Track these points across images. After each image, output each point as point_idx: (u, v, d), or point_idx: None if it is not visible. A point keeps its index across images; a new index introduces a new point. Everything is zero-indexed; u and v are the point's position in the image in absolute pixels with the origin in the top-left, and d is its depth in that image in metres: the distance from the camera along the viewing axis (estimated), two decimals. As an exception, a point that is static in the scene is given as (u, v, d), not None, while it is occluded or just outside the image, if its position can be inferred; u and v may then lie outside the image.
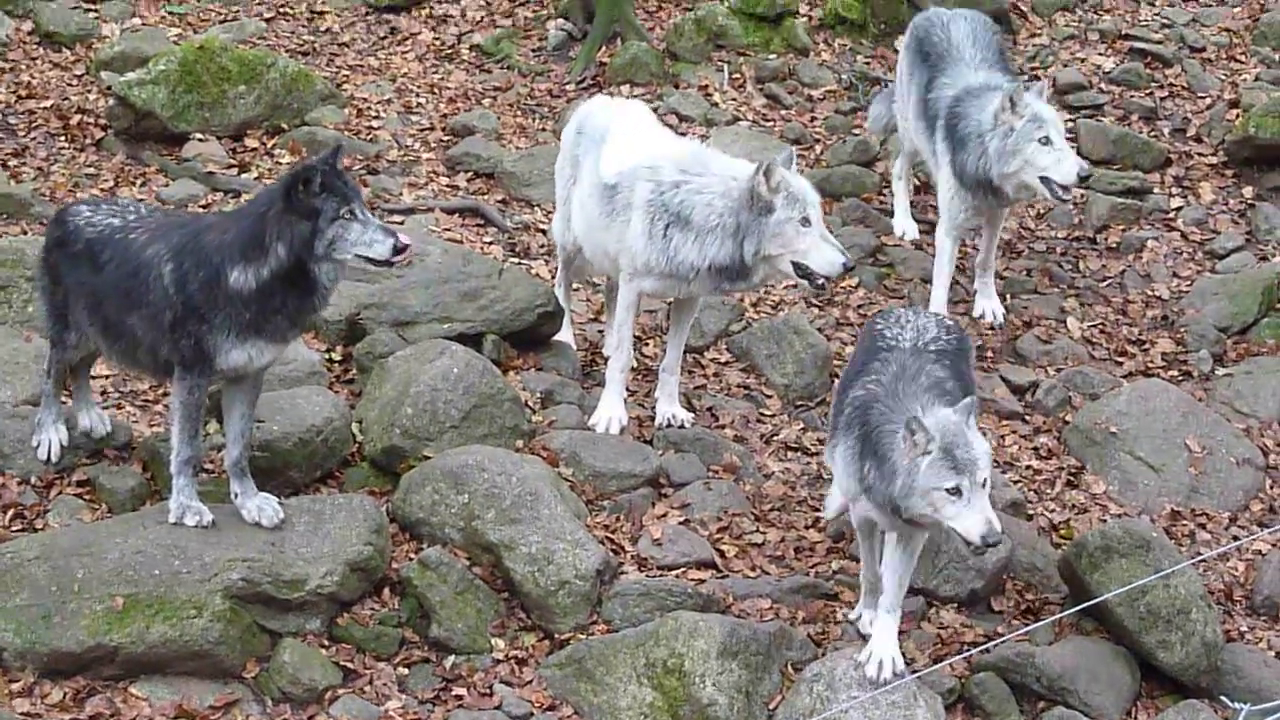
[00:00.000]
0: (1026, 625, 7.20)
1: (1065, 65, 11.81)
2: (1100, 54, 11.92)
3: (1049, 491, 8.25)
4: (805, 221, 7.67)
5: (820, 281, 7.76)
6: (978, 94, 9.11)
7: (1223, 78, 11.61)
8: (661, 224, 7.83)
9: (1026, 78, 8.25)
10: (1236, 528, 8.18)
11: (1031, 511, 8.14)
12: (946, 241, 9.30)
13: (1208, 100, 11.51)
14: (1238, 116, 11.03)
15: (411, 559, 7.24)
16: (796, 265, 7.74)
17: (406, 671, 6.94)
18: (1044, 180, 8.86)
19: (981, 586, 7.47)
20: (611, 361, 8.27)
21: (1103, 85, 11.65)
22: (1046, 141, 8.79)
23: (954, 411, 6.37)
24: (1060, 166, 8.81)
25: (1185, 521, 8.20)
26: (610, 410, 8.20)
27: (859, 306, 9.69)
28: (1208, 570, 7.85)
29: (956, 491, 6.28)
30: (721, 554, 7.52)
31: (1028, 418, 8.79)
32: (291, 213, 6.76)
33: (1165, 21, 12.14)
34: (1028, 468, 8.47)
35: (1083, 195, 10.63)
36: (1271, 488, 8.49)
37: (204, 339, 6.78)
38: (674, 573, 7.43)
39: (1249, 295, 9.59)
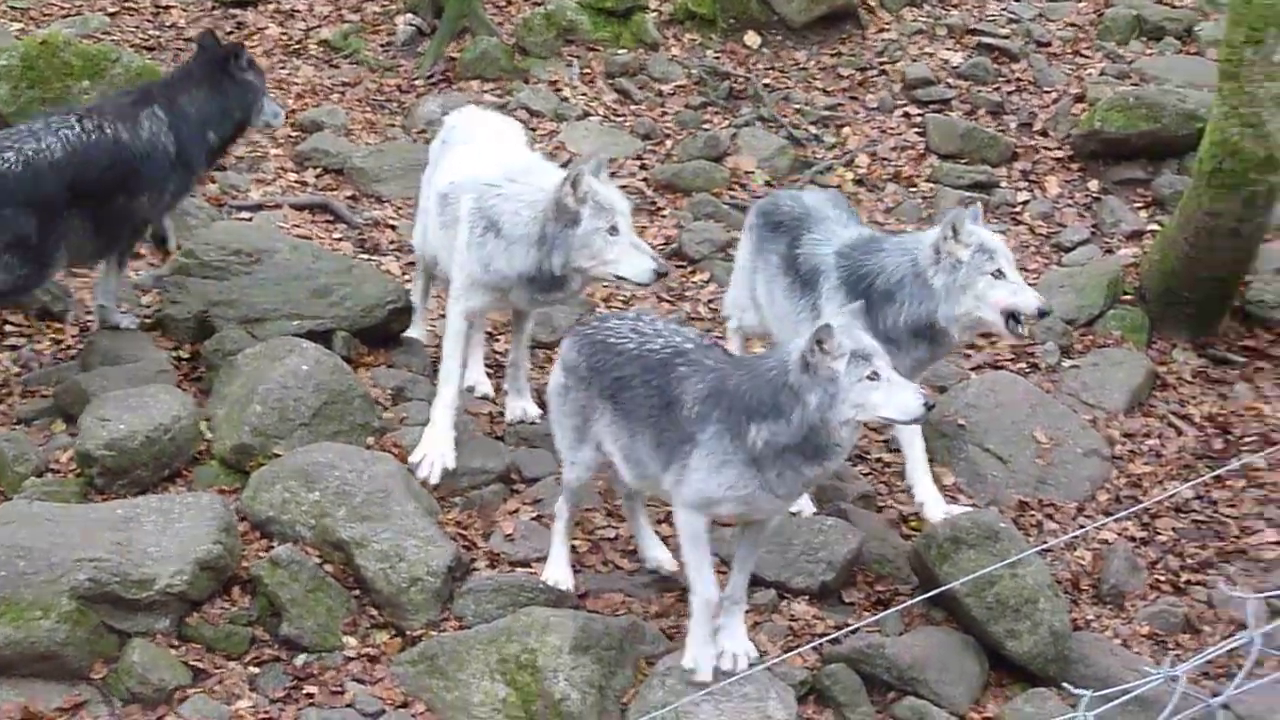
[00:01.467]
0: (877, 616, 7.36)
1: (914, 60, 12.02)
2: (948, 49, 12.14)
3: (899, 484, 8.42)
4: (613, 230, 7.64)
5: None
6: (870, 247, 8.01)
7: (1068, 72, 11.87)
8: (479, 231, 7.82)
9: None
10: (1083, 517, 8.38)
11: (882, 504, 8.31)
12: None
13: (1054, 95, 11.76)
14: (1083, 111, 11.30)
15: (262, 557, 7.27)
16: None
17: (257, 670, 6.98)
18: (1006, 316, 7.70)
19: (833, 578, 7.62)
20: (438, 396, 8.10)
21: (950, 80, 11.88)
22: (1000, 275, 7.64)
23: (842, 313, 6.63)
24: (1018, 299, 7.67)
25: (1033, 512, 8.40)
26: (434, 448, 8.00)
27: (709, 301, 9.84)
28: (1055, 560, 8.05)
29: (876, 376, 6.45)
30: (574, 549, 7.62)
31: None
32: None
33: (1012, 16, 12.40)
34: (878, 460, 8.64)
35: (931, 188, 10.88)
36: (1117, 478, 8.72)
37: None
38: (526, 569, 7.53)
39: (1095, 288, 9.82)
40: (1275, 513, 8.59)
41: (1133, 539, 8.33)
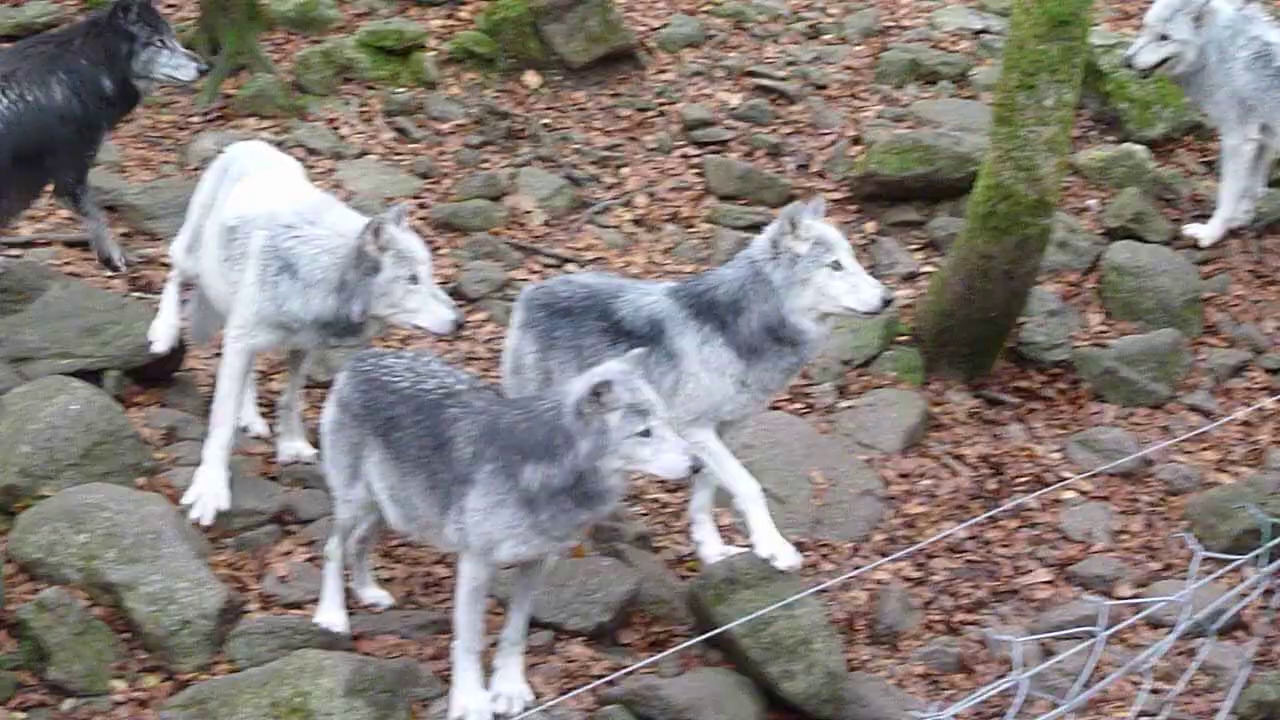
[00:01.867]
0: (653, 658, 7.39)
1: (692, 101, 12.12)
2: (727, 90, 12.26)
3: (676, 524, 8.48)
4: (414, 279, 7.66)
5: None
6: (698, 276, 8.17)
7: (845, 115, 12.04)
8: (272, 271, 7.77)
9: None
10: (859, 557, 8.50)
11: (659, 544, 8.37)
12: None
13: (831, 137, 11.92)
14: (860, 153, 11.47)
15: (29, 600, 7.16)
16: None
17: (23, 715, 6.85)
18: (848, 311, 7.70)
19: (609, 619, 7.65)
20: (211, 436, 8.00)
21: (729, 121, 11.99)
22: (838, 266, 7.59)
23: (625, 360, 6.68)
24: (859, 293, 7.61)
25: (809, 552, 8.49)
26: (208, 488, 7.90)
27: (488, 341, 9.84)
28: (831, 600, 8.16)
29: (649, 433, 6.51)
30: (348, 591, 7.57)
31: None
32: None
33: (790, 59, 12.54)
34: (655, 500, 8.70)
35: (709, 229, 10.98)
36: (893, 518, 8.86)
37: None
38: (299, 611, 7.48)
39: (871, 329, 9.92)
40: (1047, 553, 8.78)
41: (907, 579, 8.47)
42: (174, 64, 9.33)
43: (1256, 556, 3.25)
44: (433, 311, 7.72)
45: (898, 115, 12.01)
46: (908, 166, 11.02)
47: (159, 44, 9.28)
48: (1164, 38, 10.84)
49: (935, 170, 11.06)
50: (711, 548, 8.01)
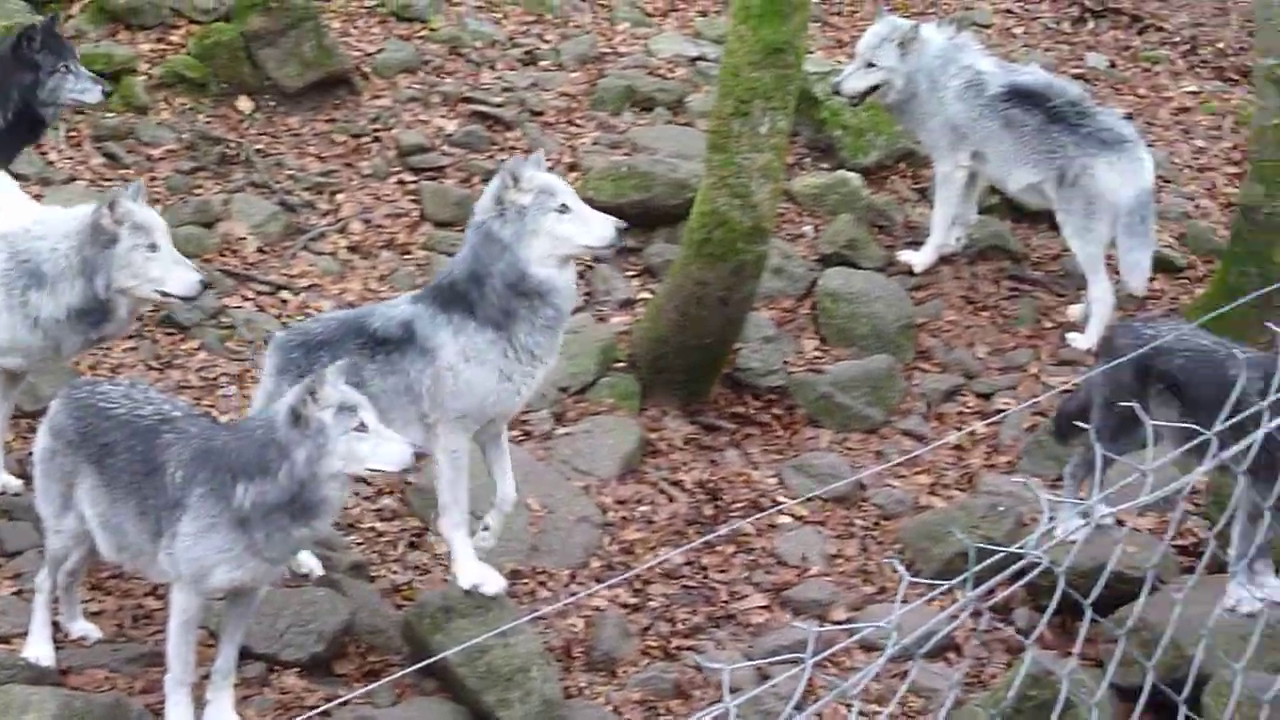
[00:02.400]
0: (368, 687, 7.36)
1: (408, 127, 12.09)
2: (443, 116, 12.25)
3: (392, 553, 8.46)
4: (153, 247, 7.73)
5: None
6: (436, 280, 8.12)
7: (562, 141, 12.10)
8: (18, 289, 7.74)
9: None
10: (576, 584, 8.54)
11: (375, 573, 8.33)
12: None
13: (548, 164, 11.95)
14: (576, 180, 11.53)
15: None
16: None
17: None
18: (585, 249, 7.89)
19: (323, 650, 7.61)
20: None
21: (445, 148, 11.98)
22: (565, 209, 7.64)
23: (330, 370, 6.74)
24: (592, 230, 7.72)
25: (526, 580, 8.52)
26: None
27: (200, 370, 9.72)
28: (548, 628, 8.19)
29: (364, 427, 6.57)
30: (56, 625, 7.44)
31: (370, 480, 8.96)
32: None
33: (507, 85, 12.58)
34: (370, 529, 8.66)
35: (425, 256, 10.95)
36: (610, 544, 8.91)
37: None
38: (6, 645, 7.33)
39: (588, 355, 9.99)
40: (763, 578, 8.89)
41: (624, 606, 8.52)
42: (80, 88, 9.51)
43: (964, 580, 3.31)
44: (178, 276, 7.80)
45: (614, 142, 12.09)
46: (624, 193, 11.09)
47: (64, 70, 9.44)
48: (871, 65, 11.09)
49: (651, 197, 11.16)
50: (469, 572, 7.87)
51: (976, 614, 8.72)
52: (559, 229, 7.61)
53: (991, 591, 8.56)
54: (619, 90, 12.63)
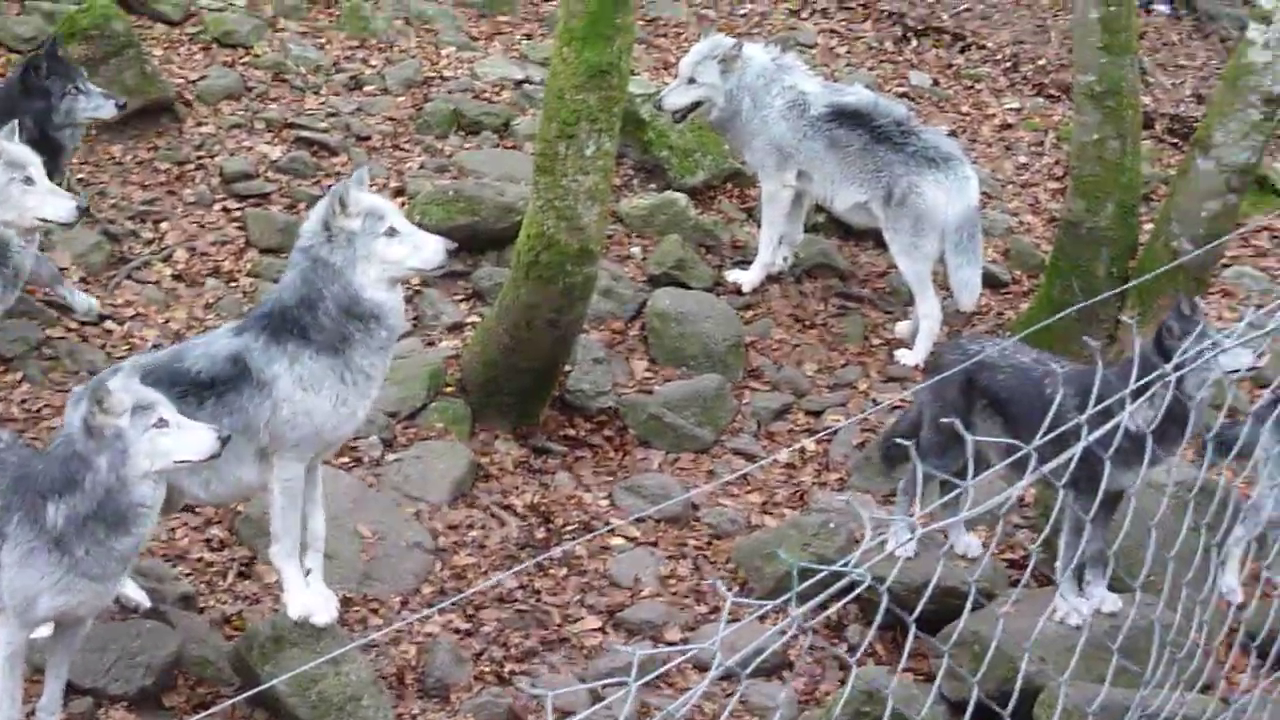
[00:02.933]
0: (197, 719, 7.31)
1: (232, 154, 12.01)
2: (267, 143, 12.17)
3: (221, 583, 8.40)
4: (29, 180, 8.16)
5: None
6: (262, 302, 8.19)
7: (389, 166, 12.07)
8: None
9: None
10: (408, 611, 8.52)
11: (204, 604, 8.27)
12: None
13: (374, 187, 11.92)
14: (404, 204, 11.51)
15: None
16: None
17: None
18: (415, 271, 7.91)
19: (152, 683, 7.54)
20: None
21: (270, 174, 11.91)
22: (394, 232, 7.58)
23: (119, 370, 6.75)
24: (422, 252, 7.65)
25: (358, 607, 8.49)
26: None
27: (23, 402, 9.60)
28: (380, 655, 8.17)
29: (164, 422, 6.59)
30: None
31: (198, 510, 8.90)
32: None
33: (331, 110, 12.53)
34: (199, 560, 8.59)
35: (251, 283, 10.88)
36: (441, 570, 8.89)
37: None
38: None
39: (417, 380, 9.97)
40: (597, 600, 8.92)
41: (457, 631, 8.51)
42: (93, 105, 9.88)
43: (788, 599, 3.36)
44: (54, 203, 8.27)
45: (441, 166, 12.09)
46: (451, 217, 11.06)
47: (74, 91, 9.78)
48: (693, 81, 11.19)
49: (479, 221, 11.16)
50: (298, 602, 7.83)
51: (805, 632, 8.81)
52: (389, 252, 7.56)
53: (824, 608, 8.66)
54: (445, 114, 12.63)
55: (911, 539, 7.87)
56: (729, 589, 9.10)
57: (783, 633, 7.44)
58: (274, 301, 7.71)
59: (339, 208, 7.55)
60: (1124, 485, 7.71)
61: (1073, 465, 4.27)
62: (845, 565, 3.57)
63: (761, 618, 7.92)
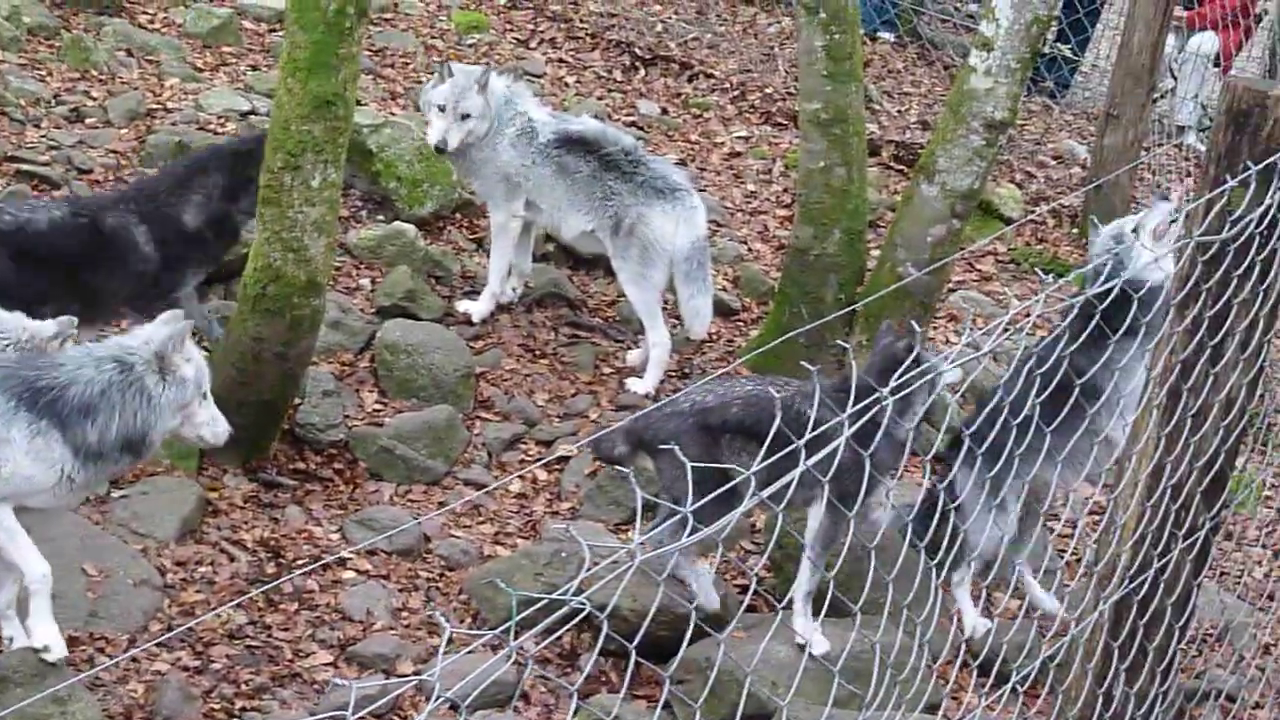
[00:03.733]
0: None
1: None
2: (-15, 177, 11.99)
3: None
4: None
5: None
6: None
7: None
8: None
9: None
10: (136, 649, 8.44)
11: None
12: None
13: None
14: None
15: None
16: None
17: None
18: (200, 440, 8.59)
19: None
20: None
21: (-11, 206, 11.70)
22: (206, 396, 8.07)
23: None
24: (214, 427, 8.27)
25: (84, 646, 8.39)
26: None
27: None
28: (107, 694, 8.09)
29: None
30: None
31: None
32: None
33: (53, 143, 12.35)
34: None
35: None
36: (170, 606, 8.83)
37: None
38: None
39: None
40: (328, 634, 8.90)
41: (186, 669, 8.45)
42: None
43: (507, 630, 3.44)
44: None
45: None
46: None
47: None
48: (466, 116, 11.14)
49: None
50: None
51: (544, 661, 8.89)
52: (197, 414, 7.96)
53: (548, 635, 8.75)
54: (169, 146, 12.49)
55: (629, 566, 7.97)
56: (462, 621, 9.15)
57: (513, 661, 7.51)
58: (54, 384, 7.63)
59: (180, 347, 7.70)
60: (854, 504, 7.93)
61: (791, 490, 4.36)
62: (565, 593, 3.64)
63: (495, 649, 8.00)
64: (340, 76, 9.45)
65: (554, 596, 3.57)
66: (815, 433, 4.31)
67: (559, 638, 8.91)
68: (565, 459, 10.44)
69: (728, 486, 4.48)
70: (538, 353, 11.37)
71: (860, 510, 8.36)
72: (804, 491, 7.61)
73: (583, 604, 3.59)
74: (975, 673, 8.56)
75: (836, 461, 4.34)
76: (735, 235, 13.43)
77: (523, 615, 3.65)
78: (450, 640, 8.80)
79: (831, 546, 8.61)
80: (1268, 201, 5.34)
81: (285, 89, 9.52)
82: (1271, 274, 5.54)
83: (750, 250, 13.29)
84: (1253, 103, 5.43)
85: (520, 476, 10.34)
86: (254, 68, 14.04)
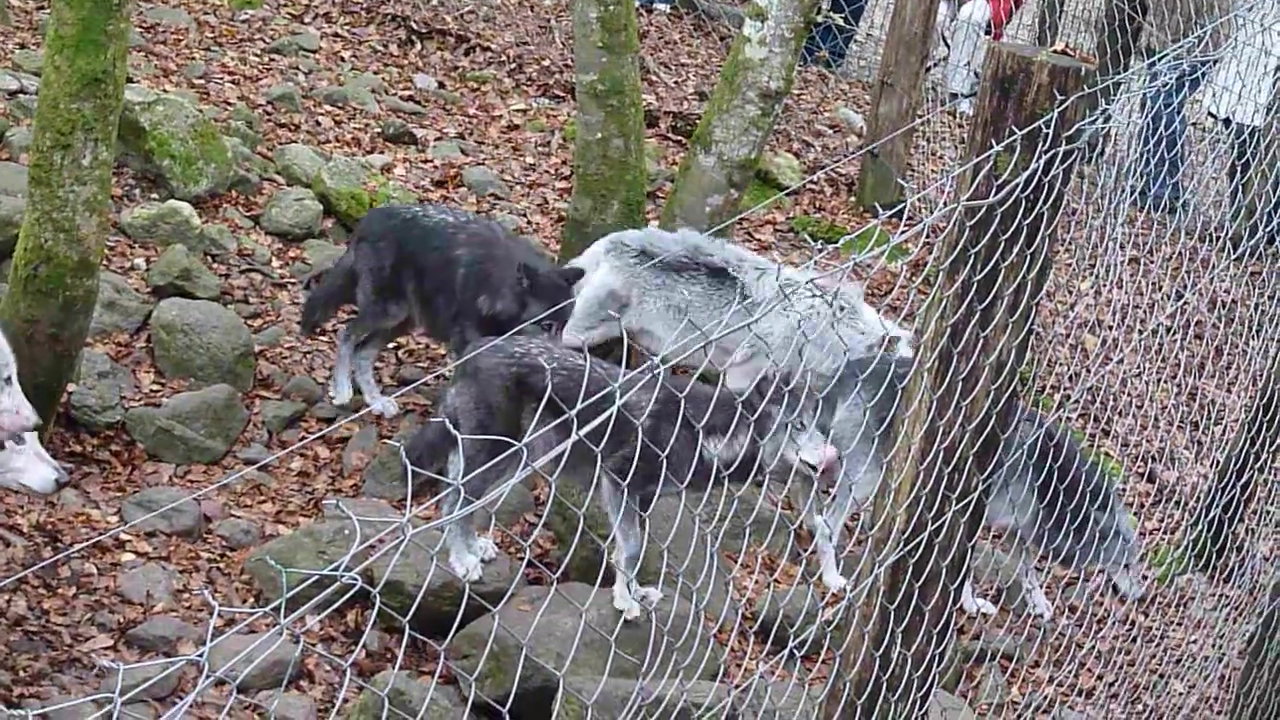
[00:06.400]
0: None
1: None
2: None
3: None
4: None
5: None
6: None
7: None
8: None
9: None
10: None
11: None
12: None
13: None
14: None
15: None
16: None
17: None
18: None
19: None
20: None
21: None
22: (9, 382, 8.07)
23: None
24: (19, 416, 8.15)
25: None
26: None
27: None
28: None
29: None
30: None
31: None
32: None
33: None
34: None
35: None
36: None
37: None
38: None
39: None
40: (108, 617, 8.78)
41: (-35, 660, 8.29)
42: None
43: (277, 607, 3.39)
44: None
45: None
46: (-52, 231, 10.76)
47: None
48: None
49: (-26, 235, 10.85)
50: None
51: (328, 640, 8.83)
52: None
53: (341, 616, 8.65)
54: (-64, 125, 12.24)
55: (400, 542, 7.93)
56: (244, 601, 9.06)
57: (287, 639, 7.42)
58: None
59: None
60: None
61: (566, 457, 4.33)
62: (337, 569, 3.59)
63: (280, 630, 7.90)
64: (109, 53, 9.26)
65: (323, 573, 3.52)
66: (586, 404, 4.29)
67: (343, 616, 8.86)
68: (347, 438, 10.36)
69: (501, 458, 4.44)
70: (317, 330, 11.24)
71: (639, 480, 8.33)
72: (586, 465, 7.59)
73: (354, 579, 3.53)
74: (754, 638, 8.63)
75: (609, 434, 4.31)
76: (515, 208, 13.39)
77: (296, 592, 3.59)
78: (230, 621, 8.75)
79: (632, 517, 8.54)
80: (1033, 166, 5.41)
81: (53, 67, 9.32)
82: (1038, 238, 5.61)
83: (529, 223, 13.26)
84: (1017, 68, 5.49)
85: (302, 454, 10.24)
86: (22, 45, 13.75)
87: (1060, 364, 12.42)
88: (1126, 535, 9.77)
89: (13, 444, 7.87)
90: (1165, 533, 11.20)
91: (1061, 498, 8.92)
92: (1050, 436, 8.96)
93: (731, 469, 7.88)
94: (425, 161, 13.68)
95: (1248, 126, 14.56)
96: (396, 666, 8.16)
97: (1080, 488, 9.10)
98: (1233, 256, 11.72)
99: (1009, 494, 9.19)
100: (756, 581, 9.73)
